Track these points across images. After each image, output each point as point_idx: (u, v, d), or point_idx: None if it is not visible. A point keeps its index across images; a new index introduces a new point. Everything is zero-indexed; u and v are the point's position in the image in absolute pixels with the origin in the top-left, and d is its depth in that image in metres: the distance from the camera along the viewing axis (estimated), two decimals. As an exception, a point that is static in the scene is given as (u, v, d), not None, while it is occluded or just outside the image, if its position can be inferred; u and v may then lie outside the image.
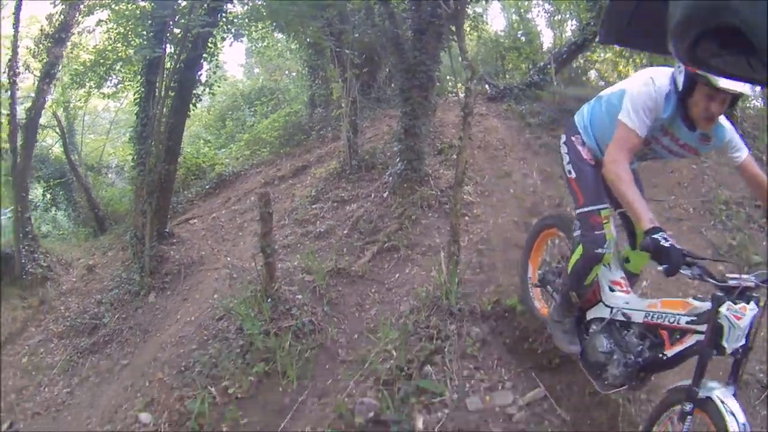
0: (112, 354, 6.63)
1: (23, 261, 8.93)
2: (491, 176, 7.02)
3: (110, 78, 10.68)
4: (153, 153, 7.44)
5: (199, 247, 7.99)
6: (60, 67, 10.22)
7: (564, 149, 3.16)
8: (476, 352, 4.07)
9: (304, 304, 5.17)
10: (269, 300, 5.04)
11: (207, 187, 11.03)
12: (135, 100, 8.69)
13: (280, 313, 4.99)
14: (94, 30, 10.73)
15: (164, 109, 7.77)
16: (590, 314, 3.20)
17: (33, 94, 9.86)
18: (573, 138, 3.13)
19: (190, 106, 8.22)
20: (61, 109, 13.06)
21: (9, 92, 9.04)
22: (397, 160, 7.04)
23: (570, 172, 3.09)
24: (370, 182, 7.50)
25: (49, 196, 14.84)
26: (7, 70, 9.01)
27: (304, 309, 5.09)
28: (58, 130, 13.23)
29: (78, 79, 10.39)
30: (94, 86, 10.83)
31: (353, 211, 6.92)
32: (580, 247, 2.96)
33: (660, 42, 0.77)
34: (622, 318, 2.94)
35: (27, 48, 10.18)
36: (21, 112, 9.62)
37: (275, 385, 4.47)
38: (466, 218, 5.97)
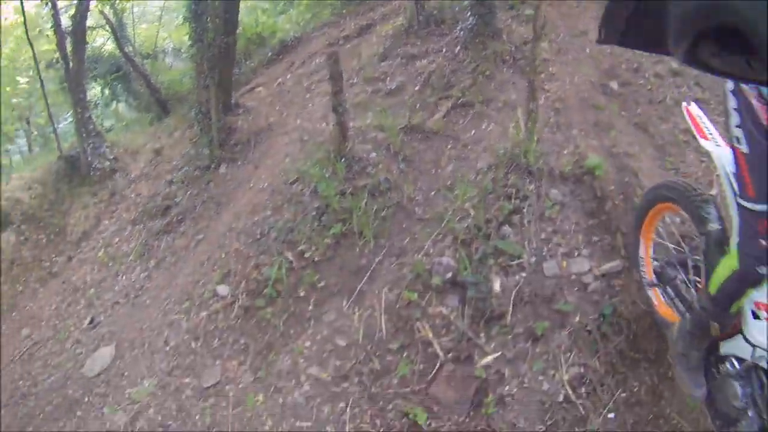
0: (186, 231, 6.69)
1: (89, 159, 9.12)
2: (566, 34, 6.46)
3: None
4: (210, 28, 7.20)
5: (267, 114, 7.83)
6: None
7: (732, 102, 1.99)
8: (555, 215, 3.89)
9: (379, 162, 5.02)
10: (343, 159, 4.90)
11: (269, 54, 10.74)
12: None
13: (354, 173, 4.87)
14: None
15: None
16: (725, 348, 2.31)
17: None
18: (748, 89, 1.91)
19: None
20: (108, 6, 12.85)
21: (49, 4, 9.02)
22: (468, 14, 6.62)
23: (739, 141, 1.97)
24: (440, 37, 7.05)
25: (108, 91, 15.15)
26: None
27: (379, 167, 4.95)
28: (107, 28, 13.18)
29: None
30: None
31: (424, 67, 6.59)
32: (736, 258, 2.05)
33: (660, 42, 0.73)
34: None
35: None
36: (66, 19, 9.52)
37: (352, 246, 4.45)
38: (542, 76, 5.55)
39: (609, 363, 3.24)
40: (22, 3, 9.98)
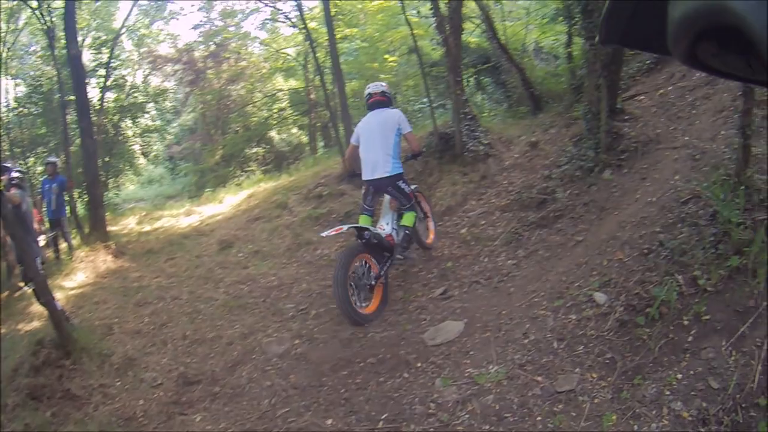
0: (563, 229, 6.77)
1: (464, 140, 9.81)
2: None
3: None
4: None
5: (653, 125, 7.65)
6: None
7: None
8: None
9: None
10: (743, 187, 4.65)
11: (648, 62, 10.53)
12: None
13: (754, 204, 4.62)
14: None
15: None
16: None
17: None
18: None
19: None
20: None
21: None
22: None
23: None
24: None
25: (472, 81, 16.22)
26: None
27: None
28: (476, 20, 14.23)
29: None
30: None
31: None
32: None
33: (661, 42, 0.72)
34: None
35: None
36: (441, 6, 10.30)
37: (743, 284, 4.22)
38: None
39: None
40: None
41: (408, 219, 6.86)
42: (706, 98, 7.59)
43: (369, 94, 7.02)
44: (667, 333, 4.24)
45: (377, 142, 6.64)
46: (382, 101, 6.95)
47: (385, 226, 6.87)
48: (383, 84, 7.30)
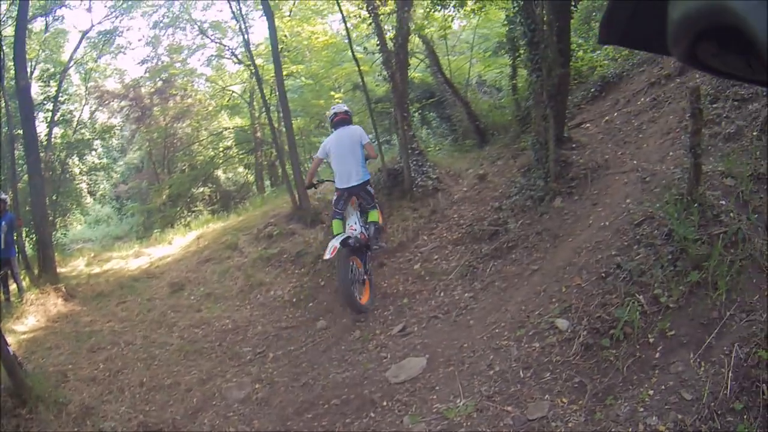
0: (518, 259, 6.80)
1: (412, 175, 9.79)
2: None
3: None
4: (549, 57, 7.42)
5: (601, 151, 7.83)
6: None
7: None
8: None
9: (730, 210, 4.88)
10: (697, 205, 4.85)
11: (592, 90, 10.84)
12: (513, 8, 8.82)
13: (708, 220, 4.80)
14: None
15: (543, 12, 7.64)
16: None
17: (392, 26, 10.66)
18: None
19: (571, 7, 7.99)
20: (423, 31, 14.05)
21: (373, 24, 9.88)
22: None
23: None
24: None
25: (417, 116, 16.43)
26: (366, 5, 9.89)
27: (731, 216, 4.82)
28: (420, 55, 14.47)
29: (439, 0, 11.35)
30: (457, 5, 11.77)
31: (757, 110, 6.22)
32: None
33: (661, 42, 0.73)
34: None
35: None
36: (387, 41, 10.35)
37: (705, 297, 4.36)
38: None
39: None
40: (345, 22, 11.55)
41: (374, 215, 7.90)
42: (652, 122, 7.86)
43: (334, 113, 8.05)
44: (633, 352, 4.29)
45: (349, 155, 7.65)
46: (345, 119, 7.99)
47: (356, 227, 7.66)
48: (344, 105, 8.60)
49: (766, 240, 4.63)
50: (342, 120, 7.93)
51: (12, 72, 13.49)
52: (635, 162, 7.05)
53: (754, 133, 6.00)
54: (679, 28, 0.70)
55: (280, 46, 13.12)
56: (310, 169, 9.05)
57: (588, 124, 9.34)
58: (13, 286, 10.50)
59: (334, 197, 7.92)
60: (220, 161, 25.58)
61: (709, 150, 6.04)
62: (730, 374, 3.72)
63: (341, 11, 11.65)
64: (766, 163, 5.39)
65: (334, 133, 7.91)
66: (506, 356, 4.92)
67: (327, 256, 7.16)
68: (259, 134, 23.31)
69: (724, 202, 4.98)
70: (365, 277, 7.56)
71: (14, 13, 13.22)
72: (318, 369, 6.30)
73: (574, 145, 8.14)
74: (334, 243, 7.20)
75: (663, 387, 3.90)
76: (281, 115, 12.38)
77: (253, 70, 13.42)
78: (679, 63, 6.76)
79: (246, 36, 13.46)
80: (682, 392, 3.79)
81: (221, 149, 25.63)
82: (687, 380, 3.86)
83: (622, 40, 0.86)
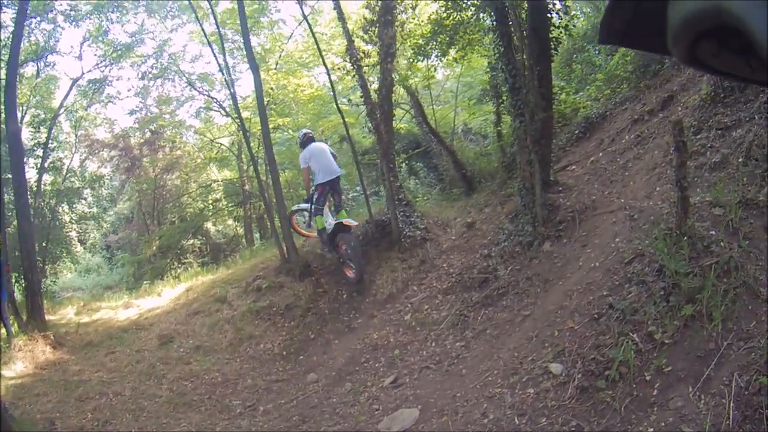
0: (509, 305, 6.75)
1: (400, 226, 9.79)
2: None
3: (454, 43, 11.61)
4: (531, 102, 7.52)
5: (588, 192, 7.86)
6: (397, 46, 11.08)
7: None
8: None
9: (720, 240, 4.87)
10: (686, 237, 4.84)
11: (576, 132, 10.97)
12: (494, 54, 8.94)
13: (698, 251, 4.78)
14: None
15: (524, 57, 7.80)
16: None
17: (377, 77, 10.87)
18: None
19: (551, 51, 8.15)
20: (407, 82, 14.26)
21: (356, 76, 10.06)
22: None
23: None
24: (747, 104, 6.71)
25: (404, 166, 16.53)
26: (348, 57, 10.10)
27: (721, 245, 4.80)
28: (405, 106, 14.67)
29: (422, 51, 11.81)
30: (440, 54, 12.19)
31: (742, 136, 6.29)
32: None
33: (661, 43, 0.73)
34: None
35: (358, 36, 11.19)
36: (371, 93, 10.47)
37: (700, 329, 4.30)
38: None
39: None
40: (329, 75, 12.03)
41: (343, 214, 9.85)
42: (637, 158, 7.92)
43: (304, 134, 10.08)
44: (630, 391, 4.20)
45: (328, 155, 9.54)
46: (313, 138, 10.03)
47: (332, 222, 9.58)
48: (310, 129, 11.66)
49: (764, 265, 4.61)
50: (311, 138, 9.93)
51: (2, 116, 13.50)
52: (622, 200, 7.09)
53: (740, 160, 6.05)
54: (679, 29, 0.70)
55: (266, 99, 13.25)
56: (304, 181, 10.20)
57: (574, 166, 9.42)
58: (1, 331, 10.30)
59: (316, 194, 9.54)
60: (210, 213, 25.54)
61: (695, 181, 6.07)
62: (731, 404, 3.66)
63: (325, 64, 11.84)
64: (754, 189, 5.42)
65: (309, 146, 9.61)
66: (500, 404, 4.83)
67: (327, 226, 9.55)
68: (247, 187, 23.26)
69: (713, 232, 4.99)
70: (348, 261, 9.33)
71: (6, 57, 13.26)
72: (309, 422, 6.17)
73: (560, 188, 8.17)
74: (331, 221, 9.51)
75: (663, 424, 3.81)
76: (268, 168, 12.36)
77: (239, 124, 13.48)
78: (660, 99, 6.89)
79: (232, 89, 13.52)
80: (682, 427, 3.71)
81: (210, 201, 25.68)
82: (687, 415, 3.78)
83: (622, 40, 0.86)
